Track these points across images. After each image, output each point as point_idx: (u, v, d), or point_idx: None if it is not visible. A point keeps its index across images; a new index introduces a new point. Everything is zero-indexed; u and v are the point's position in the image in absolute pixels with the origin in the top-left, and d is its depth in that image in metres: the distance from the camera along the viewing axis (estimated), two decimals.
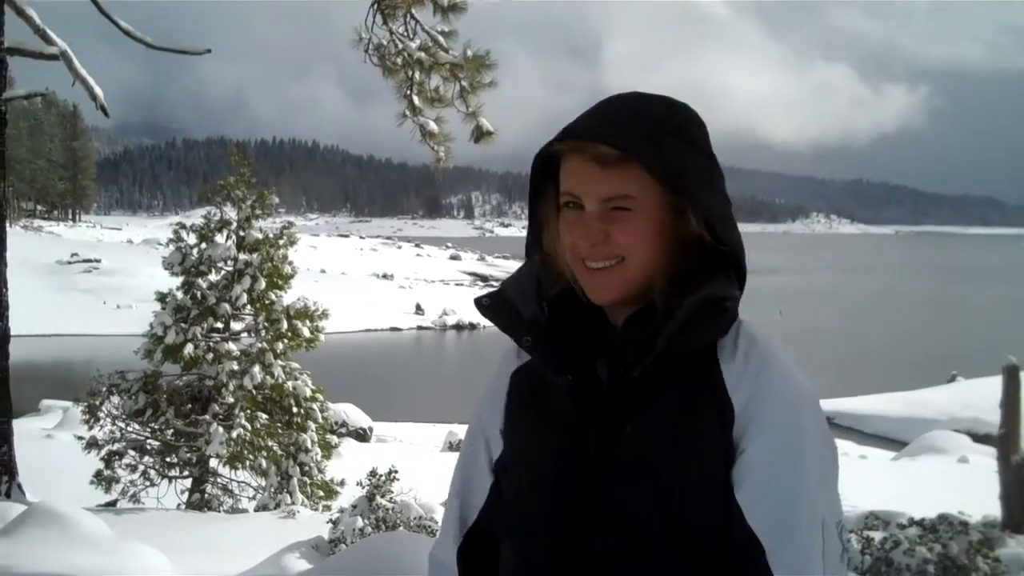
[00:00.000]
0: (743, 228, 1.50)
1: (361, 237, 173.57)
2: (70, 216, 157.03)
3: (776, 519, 1.40)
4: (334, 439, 16.56)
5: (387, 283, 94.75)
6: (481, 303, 1.62)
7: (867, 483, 15.79)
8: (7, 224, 10.65)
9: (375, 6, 10.74)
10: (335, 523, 9.47)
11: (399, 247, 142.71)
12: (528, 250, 1.65)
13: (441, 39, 10.69)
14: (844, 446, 24.61)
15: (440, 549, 1.74)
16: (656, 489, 1.43)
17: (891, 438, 30.53)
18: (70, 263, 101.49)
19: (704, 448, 1.43)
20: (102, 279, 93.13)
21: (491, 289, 1.63)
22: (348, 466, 15.34)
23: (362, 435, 25.75)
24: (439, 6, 10.49)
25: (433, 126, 10.80)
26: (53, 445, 18.91)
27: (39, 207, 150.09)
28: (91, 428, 15.06)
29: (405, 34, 10.86)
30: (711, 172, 1.50)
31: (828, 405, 29.56)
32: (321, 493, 15.42)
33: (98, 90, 11.15)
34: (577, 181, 1.48)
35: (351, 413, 26.31)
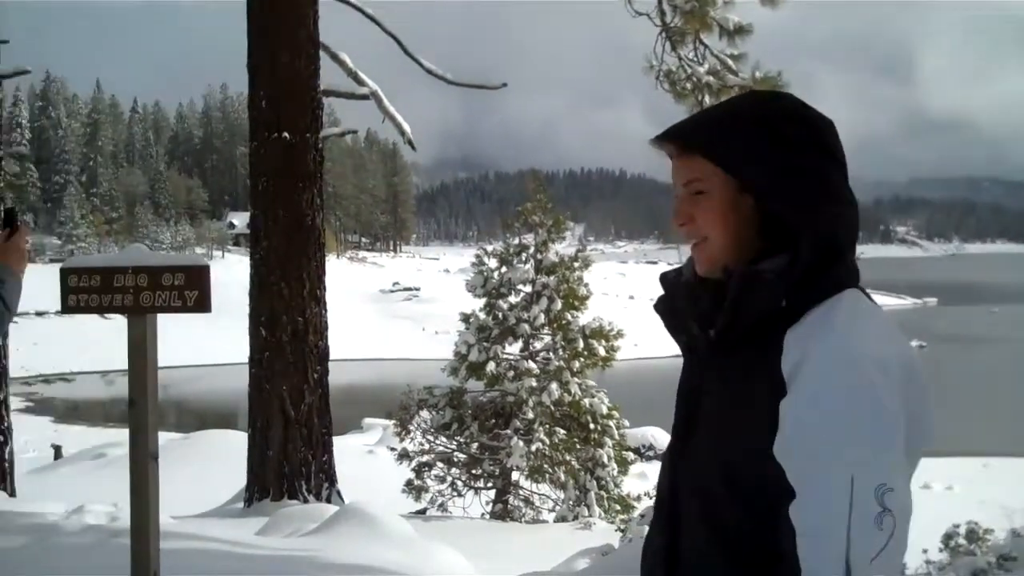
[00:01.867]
0: None
1: (669, 264, 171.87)
2: (392, 247, 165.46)
3: (798, 472, 1.49)
4: (630, 455, 16.85)
5: None
6: (665, 277, 1.90)
7: None
8: (335, 255, 11.56)
9: (663, 33, 11.00)
10: (624, 531, 9.73)
11: None
12: None
13: (730, 62, 10.77)
14: None
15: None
16: (715, 440, 1.65)
17: None
18: (391, 291, 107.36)
19: (754, 408, 1.58)
20: (421, 306, 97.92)
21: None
22: (650, 486, 15.58)
23: None
24: (725, 30, 10.61)
25: None
26: (373, 459, 20.26)
27: (363, 239, 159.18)
28: (402, 440, 16.11)
29: (694, 59, 11.03)
30: (790, 159, 1.63)
31: None
32: (618, 507, 15.71)
33: (406, 126, 12.03)
34: (673, 173, 1.76)
35: (658, 436, 26.49)
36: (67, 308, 4.10)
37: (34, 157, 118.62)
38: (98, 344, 64.83)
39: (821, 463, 1.46)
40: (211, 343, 58.98)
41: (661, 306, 1.86)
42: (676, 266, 1.91)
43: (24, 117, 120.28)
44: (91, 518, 7.24)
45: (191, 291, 3.99)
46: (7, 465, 10.47)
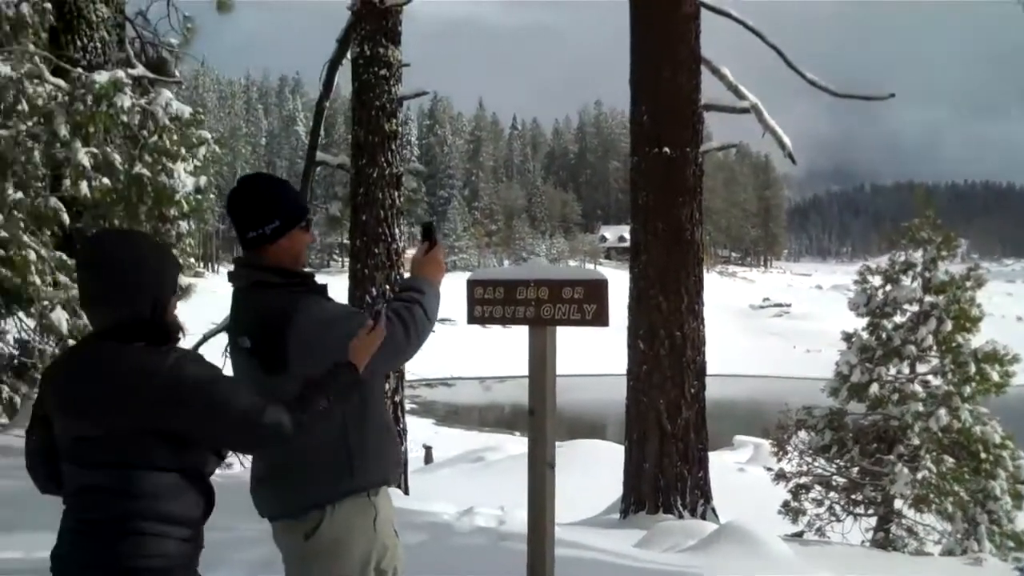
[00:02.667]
0: None
1: None
2: (762, 262, 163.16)
3: None
4: None
5: None
6: None
7: None
8: (704, 269, 11.53)
9: None
10: (1023, 571, 9.00)
11: None
12: None
13: None
14: None
15: None
16: None
17: None
18: (761, 307, 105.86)
19: None
20: (792, 323, 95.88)
21: None
22: None
23: None
24: None
25: None
26: (744, 478, 19.94)
27: (733, 254, 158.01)
28: (779, 460, 15.74)
29: None
30: None
31: None
32: (1011, 544, 14.57)
33: (786, 139, 11.78)
34: None
35: None
36: (473, 319, 4.27)
37: (426, 172, 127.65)
38: (477, 351, 68.37)
39: None
40: (583, 354, 60.70)
41: None
42: None
43: (413, 135, 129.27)
44: (481, 520, 7.56)
45: (590, 304, 4.04)
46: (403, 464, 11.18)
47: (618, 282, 11.25)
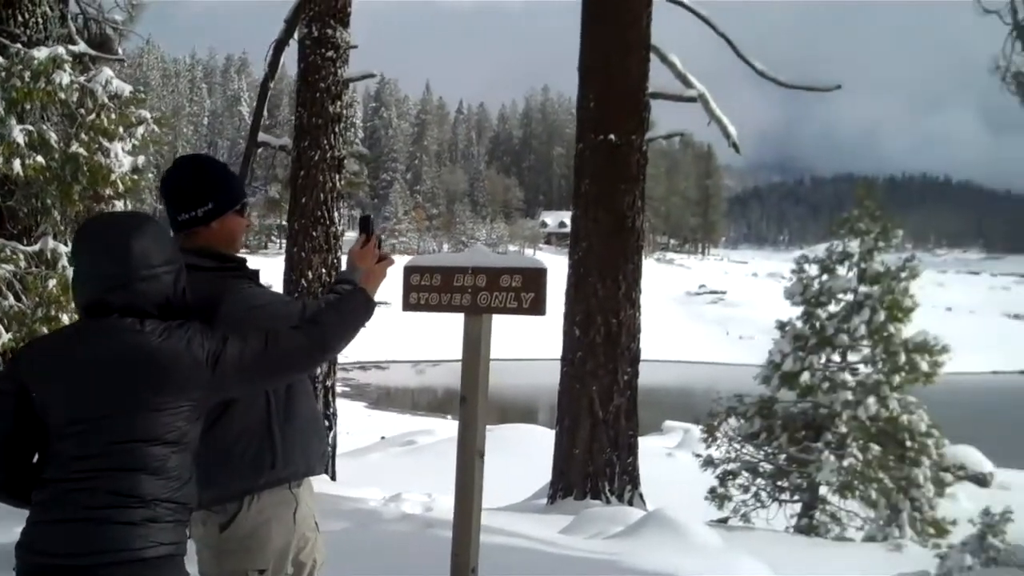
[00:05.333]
0: None
1: (993, 275, 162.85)
2: (699, 249, 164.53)
3: None
4: (947, 477, 15.91)
5: (1020, 324, 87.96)
6: None
7: None
8: (643, 255, 11.57)
9: (1013, 32, 10.28)
10: (943, 558, 9.18)
11: None
12: None
13: None
14: None
15: None
16: None
17: None
18: (697, 294, 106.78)
19: None
20: (727, 310, 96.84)
21: None
22: (963, 509, 14.69)
23: (981, 480, 24.28)
24: None
25: None
26: (673, 463, 20.12)
27: (672, 240, 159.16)
28: (708, 447, 15.91)
29: None
30: None
31: None
32: (931, 531, 14.87)
33: (732, 129, 11.87)
34: None
35: (971, 456, 24.96)
36: (408, 306, 4.23)
37: (370, 156, 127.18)
38: (411, 335, 68.21)
39: None
40: (517, 338, 60.78)
41: None
42: None
43: (358, 117, 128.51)
44: (408, 507, 7.54)
45: (528, 293, 4.03)
46: (331, 449, 11.14)
47: (558, 268, 11.29)
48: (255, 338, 2.62)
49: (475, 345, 4.14)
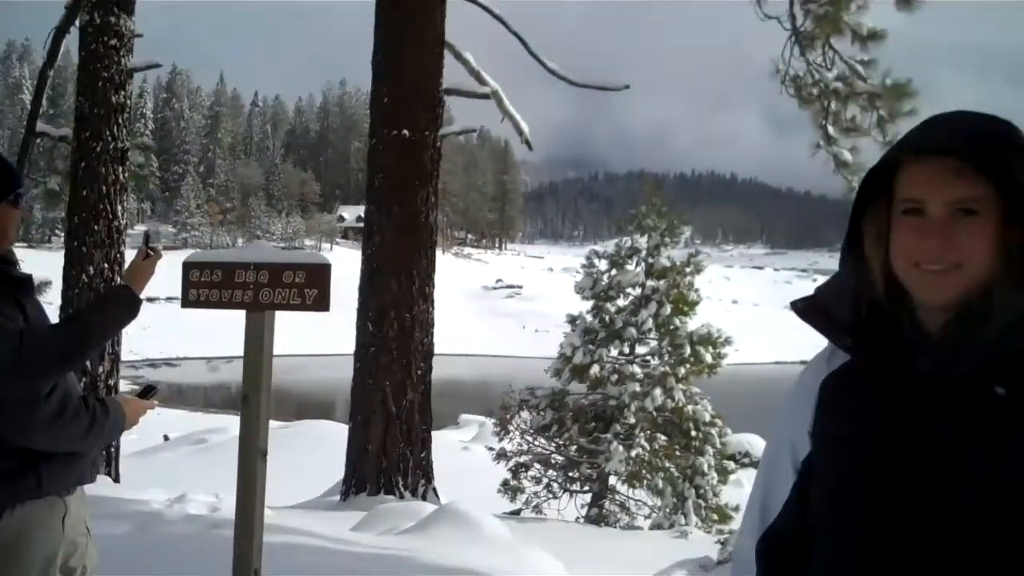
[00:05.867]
0: None
1: (776, 269, 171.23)
2: (496, 244, 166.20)
3: None
4: (731, 464, 16.61)
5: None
6: (797, 306, 1.76)
7: None
8: (440, 251, 11.61)
9: (793, 38, 10.79)
10: (724, 544, 9.55)
11: (814, 279, 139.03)
12: (842, 259, 1.75)
13: (860, 68, 10.51)
14: None
15: (740, 543, 1.87)
16: (977, 490, 1.48)
17: None
18: (494, 288, 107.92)
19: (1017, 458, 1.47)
20: (523, 304, 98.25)
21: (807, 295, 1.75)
22: (746, 495, 15.27)
23: None
24: (858, 35, 10.33)
25: (848, 156, 10.60)
26: (468, 456, 20.30)
27: (469, 236, 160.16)
28: (501, 440, 16.11)
29: (823, 64, 10.80)
30: None
31: None
32: (715, 516, 15.48)
33: (524, 126, 12.01)
34: (925, 187, 1.57)
35: (754, 443, 26.10)
36: (187, 302, 4.12)
37: (156, 147, 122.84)
38: (204, 332, 66.48)
39: None
40: (314, 334, 60.05)
41: (863, 339, 1.68)
42: (806, 295, 1.76)
43: (148, 108, 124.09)
44: (193, 508, 7.34)
45: (311, 289, 3.99)
46: (113, 450, 10.74)
47: (355, 263, 11.20)
48: (8, 337, 2.50)
49: (257, 342, 4.07)
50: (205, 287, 4.09)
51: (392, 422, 10.72)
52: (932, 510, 1.52)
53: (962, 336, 1.55)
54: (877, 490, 1.58)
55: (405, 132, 10.65)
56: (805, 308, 1.76)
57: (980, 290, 1.56)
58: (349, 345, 11.14)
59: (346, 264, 12.31)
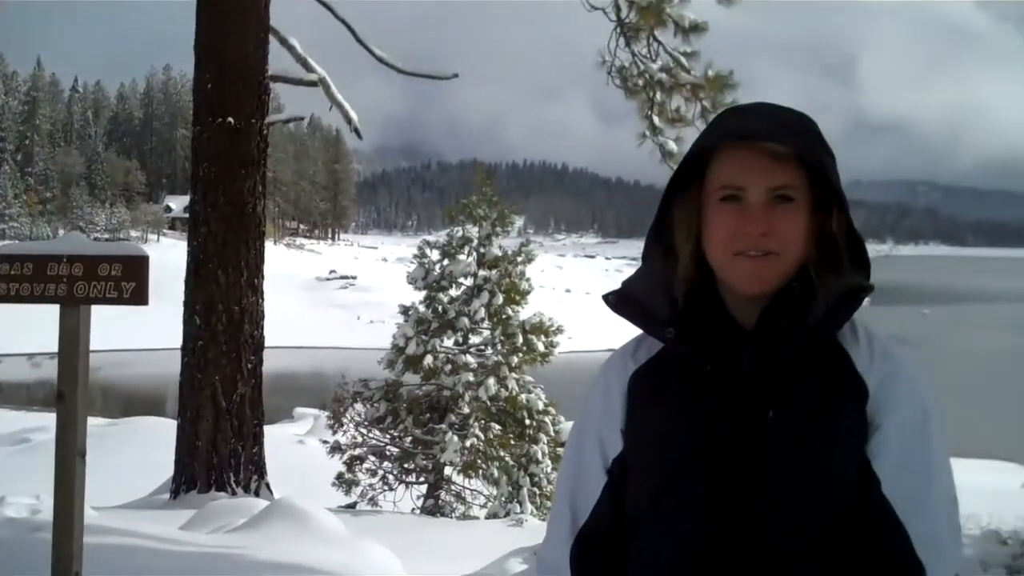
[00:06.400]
0: (1012, 253, 1.61)
1: (607, 258, 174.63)
2: (330, 235, 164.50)
3: (911, 491, 1.53)
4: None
5: None
6: (609, 300, 1.74)
7: None
8: (271, 241, 11.41)
9: (618, 29, 10.97)
10: None
11: None
12: (647, 251, 1.75)
13: (683, 60, 10.76)
14: None
15: (549, 550, 1.80)
16: (804, 467, 1.53)
17: None
18: (328, 279, 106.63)
19: (845, 426, 1.55)
20: (357, 295, 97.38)
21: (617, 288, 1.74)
22: None
23: None
24: (680, 27, 10.59)
25: (673, 146, 10.85)
26: (303, 450, 19.99)
27: (301, 226, 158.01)
28: (335, 433, 15.93)
29: (647, 56, 11.02)
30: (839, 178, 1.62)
31: None
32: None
33: (353, 114, 11.88)
34: (746, 173, 1.59)
35: None
36: None
37: None
38: (27, 326, 63.69)
39: (933, 485, 1.56)
40: (142, 327, 58.17)
41: (685, 330, 1.66)
42: (616, 288, 1.74)
43: None
44: (12, 511, 7.04)
45: (128, 282, 3.86)
46: None
47: (183, 254, 10.88)
48: None
49: (72, 338, 3.92)
50: (15, 281, 3.92)
51: (222, 417, 10.48)
52: (766, 496, 1.55)
53: (783, 323, 1.59)
54: (711, 479, 1.58)
55: (230, 120, 10.39)
56: (617, 301, 1.74)
57: (793, 278, 1.60)
58: (179, 339, 10.84)
59: (174, 255, 11.98)
